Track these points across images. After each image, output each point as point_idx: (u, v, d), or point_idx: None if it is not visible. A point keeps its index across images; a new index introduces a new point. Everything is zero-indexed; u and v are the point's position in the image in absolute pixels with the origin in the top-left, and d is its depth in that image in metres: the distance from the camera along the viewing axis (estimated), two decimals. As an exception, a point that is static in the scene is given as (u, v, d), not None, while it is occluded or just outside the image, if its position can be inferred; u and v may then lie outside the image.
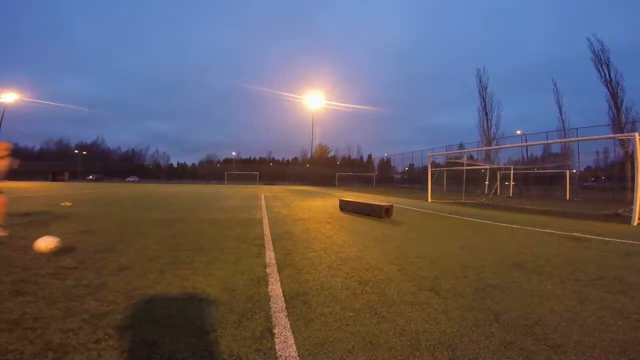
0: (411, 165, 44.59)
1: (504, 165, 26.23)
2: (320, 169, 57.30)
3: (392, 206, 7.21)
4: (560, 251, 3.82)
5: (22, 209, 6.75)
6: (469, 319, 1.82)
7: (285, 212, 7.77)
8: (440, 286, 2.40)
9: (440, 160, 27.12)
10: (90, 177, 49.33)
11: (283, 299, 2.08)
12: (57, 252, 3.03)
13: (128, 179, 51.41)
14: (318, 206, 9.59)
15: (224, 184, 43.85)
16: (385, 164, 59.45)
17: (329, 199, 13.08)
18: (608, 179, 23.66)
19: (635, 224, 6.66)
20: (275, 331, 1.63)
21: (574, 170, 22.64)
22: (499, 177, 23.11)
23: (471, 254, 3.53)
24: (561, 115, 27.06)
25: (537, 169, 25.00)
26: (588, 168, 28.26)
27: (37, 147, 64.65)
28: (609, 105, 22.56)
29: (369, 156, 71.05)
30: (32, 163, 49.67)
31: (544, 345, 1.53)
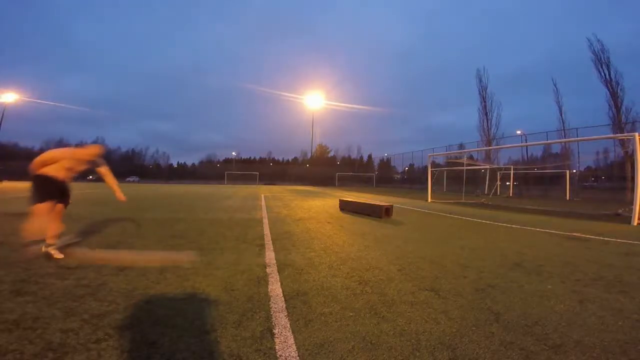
0: (411, 165, 44.60)
1: (504, 165, 26.24)
2: (320, 169, 57.28)
3: (392, 206, 7.21)
4: (560, 251, 3.82)
5: (22, 209, 6.75)
6: (469, 319, 1.82)
7: (285, 212, 7.77)
8: (440, 286, 2.40)
9: (440, 160, 27.15)
10: (90, 177, 49.25)
11: (283, 299, 2.08)
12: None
13: (128, 179, 51.34)
14: (318, 206, 9.59)
15: (224, 184, 43.85)
16: (385, 164, 59.49)
17: (329, 199, 13.08)
18: (608, 179, 23.70)
19: (635, 224, 6.66)
20: (275, 331, 1.63)
21: (574, 171, 22.67)
22: (499, 177, 23.11)
23: (471, 254, 3.53)
24: (561, 115, 27.06)
25: (537, 169, 25.01)
26: (588, 168, 28.33)
27: (37, 147, 64.79)
28: (609, 105, 22.57)
29: (369, 156, 71.12)
30: (32, 163, 49.62)
31: (544, 345, 1.53)
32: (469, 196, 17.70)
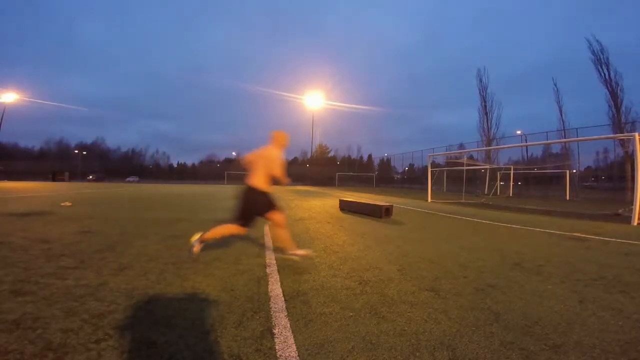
0: (411, 165, 44.63)
1: (504, 165, 26.24)
2: (320, 169, 57.13)
3: (392, 206, 7.21)
4: (560, 251, 3.81)
5: (22, 209, 6.75)
6: (469, 319, 1.82)
7: (285, 212, 7.77)
8: (440, 286, 2.40)
9: (441, 160, 27.16)
10: (90, 177, 49.32)
11: (283, 299, 2.08)
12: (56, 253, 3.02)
13: (128, 179, 51.36)
14: (318, 206, 9.59)
15: (225, 184, 43.82)
16: (385, 164, 59.46)
17: (329, 199, 13.07)
18: (608, 179, 23.71)
19: (635, 224, 6.65)
20: (275, 331, 1.63)
21: (574, 171, 22.64)
22: (499, 177, 23.12)
23: (471, 254, 3.53)
24: (561, 115, 27.03)
25: (537, 169, 24.99)
26: (588, 168, 28.31)
27: (37, 147, 64.78)
28: (609, 105, 22.59)
29: (369, 156, 70.97)
30: (32, 163, 49.77)
31: (544, 345, 1.53)
32: (469, 196, 17.70)
